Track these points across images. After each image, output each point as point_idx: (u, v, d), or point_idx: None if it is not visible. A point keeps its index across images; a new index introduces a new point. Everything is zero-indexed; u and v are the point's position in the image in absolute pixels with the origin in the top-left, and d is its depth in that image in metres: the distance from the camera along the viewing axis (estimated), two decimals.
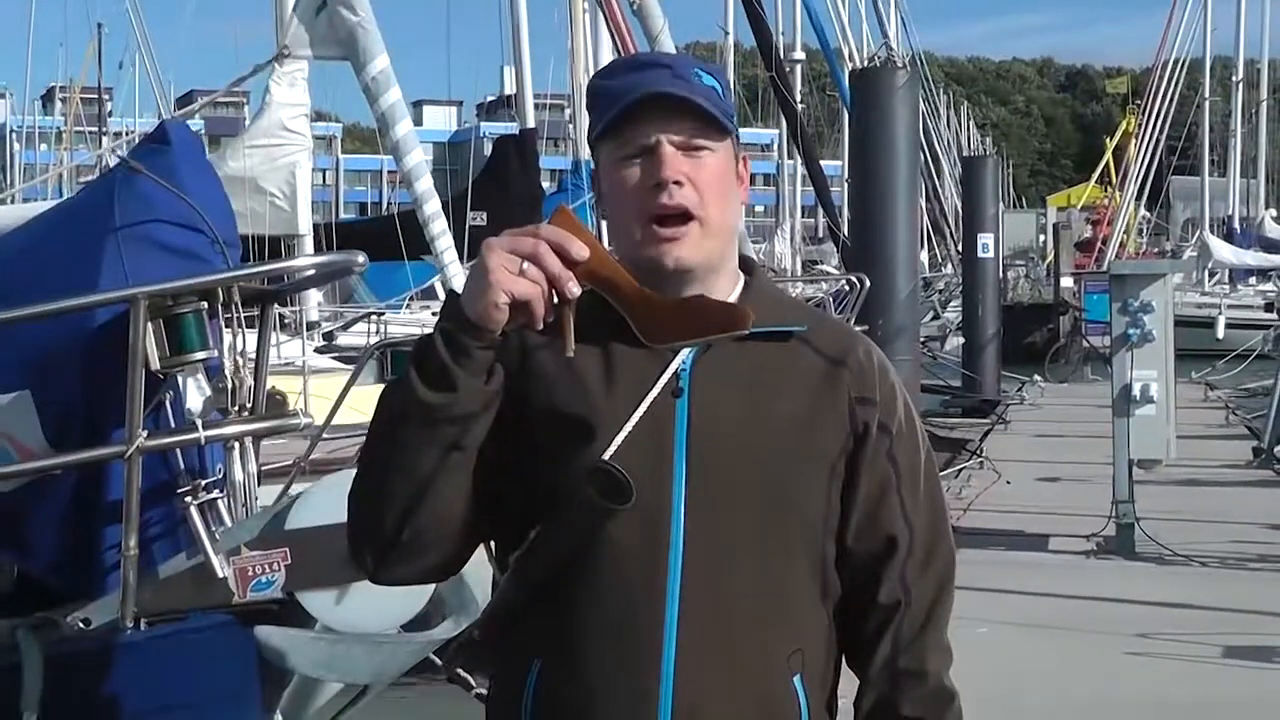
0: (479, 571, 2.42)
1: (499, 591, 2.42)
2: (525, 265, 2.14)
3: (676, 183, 2.34)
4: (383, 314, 17.71)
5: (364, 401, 8.38)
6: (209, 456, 5.24)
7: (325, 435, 6.25)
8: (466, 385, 2.21)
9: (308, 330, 13.27)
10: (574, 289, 2.16)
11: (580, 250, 2.17)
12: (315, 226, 12.84)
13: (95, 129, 50.90)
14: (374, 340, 14.66)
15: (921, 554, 2.45)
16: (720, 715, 2.32)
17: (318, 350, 13.53)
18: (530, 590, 2.36)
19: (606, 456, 2.28)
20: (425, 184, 8.50)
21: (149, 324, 4.91)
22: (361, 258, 5.47)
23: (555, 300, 2.17)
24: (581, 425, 2.32)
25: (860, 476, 2.42)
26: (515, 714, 2.37)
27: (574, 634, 2.33)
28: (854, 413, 2.41)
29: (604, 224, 2.74)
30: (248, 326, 5.36)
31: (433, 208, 8.46)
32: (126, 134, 29.55)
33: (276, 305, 6.02)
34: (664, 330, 2.26)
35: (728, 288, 2.44)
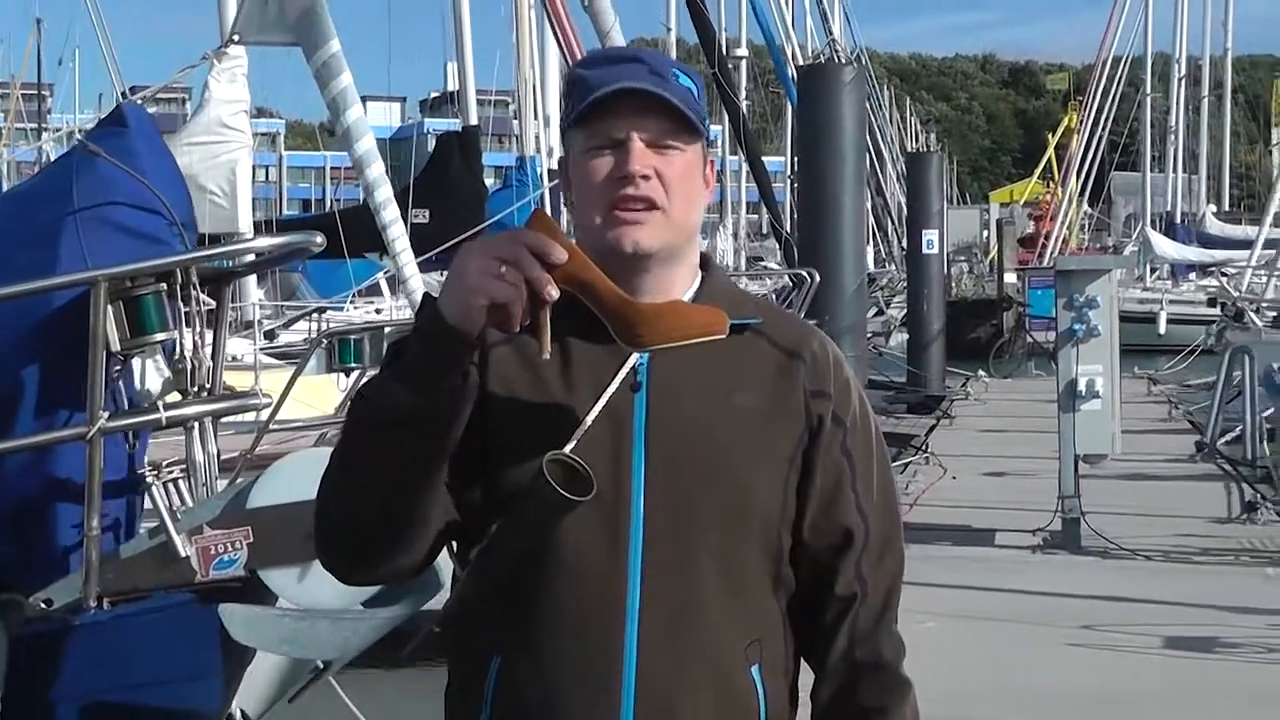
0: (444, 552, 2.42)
1: (459, 586, 2.42)
2: (504, 268, 2.13)
3: (644, 176, 2.35)
4: (324, 311, 17.63)
5: (311, 393, 8.35)
6: (143, 440, 5.27)
7: (271, 428, 6.26)
8: (443, 388, 2.20)
9: (247, 329, 13.20)
10: (552, 293, 2.14)
11: (559, 254, 2.16)
12: (256, 223, 12.74)
13: (35, 125, 50.51)
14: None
15: (877, 546, 2.47)
16: (682, 706, 2.33)
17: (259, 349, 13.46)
18: (491, 585, 2.36)
19: (567, 450, 2.28)
20: (377, 170, 8.46)
21: (109, 306, 4.94)
22: (319, 237, 5.49)
23: (532, 303, 2.16)
24: (541, 420, 2.33)
25: (815, 470, 2.43)
26: (476, 709, 2.37)
27: (535, 628, 2.34)
28: (809, 406, 2.43)
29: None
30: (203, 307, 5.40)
31: (384, 194, 8.42)
32: (68, 130, 29.30)
33: (230, 289, 6.03)
34: (642, 334, 2.26)
35: (685, 283, 2.45)
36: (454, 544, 2.45)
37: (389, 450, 2.24)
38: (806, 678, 2.51)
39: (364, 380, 2.34)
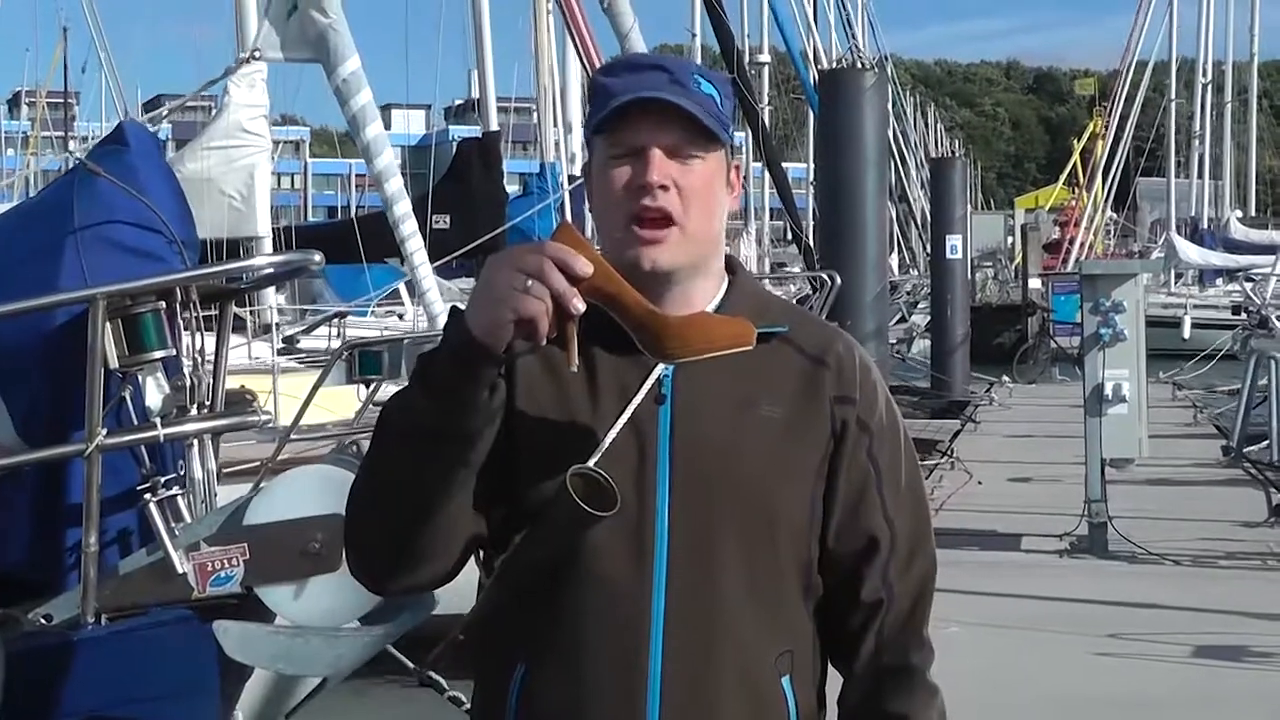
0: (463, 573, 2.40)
1: (483, 595, 2.40)
2: (530, 282, 2.11)
3: (662, 187, 2.32)
4: (345, 315, 17.61)
5: (332, 402, 8.37)
6: (169, 454, 5.28)
7: (293, 436, 6.26)
8: (471, 402, 2.18)
9: (266, 333, 13.20)
10: (579, 305, 2.12)
11: (584, 267, 2.13)
12: (276, 230, 12.77)
13: (61, 133, 50.75)
14: (335, 343, 14.58)
15: (904, 552, 2.44)
16: (711, 719, 2.31)
17: (278, 353, 13.44)
18: (515, 595, 2.34)
19: (591, 464, 2.25)
20: (395, 185, 8.50)
21: (108, 324, 4.97)
22: (318, 256, 5.54)
23: (558, 316, 2.13)
24: (565, 432, 2.31)
25: (840, 476, 2.40)
26: (500, 718, 2.35)
27: (559, 638, 2.32)
28: (834, 413, 2.40)
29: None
30: (206, 326, 5.42)
31: (403, 209, 8.46)
32: (93, 138, 29.46)
33: (234, 305, 6.05)
34: (669, 347, 2.23)
35: (711, 290, 2.43)
36: (480, 552, 2.43)
37: (415, 462, 2.22)
38: (833, 681, 2.47)
39: (393, 392, 2.33)
